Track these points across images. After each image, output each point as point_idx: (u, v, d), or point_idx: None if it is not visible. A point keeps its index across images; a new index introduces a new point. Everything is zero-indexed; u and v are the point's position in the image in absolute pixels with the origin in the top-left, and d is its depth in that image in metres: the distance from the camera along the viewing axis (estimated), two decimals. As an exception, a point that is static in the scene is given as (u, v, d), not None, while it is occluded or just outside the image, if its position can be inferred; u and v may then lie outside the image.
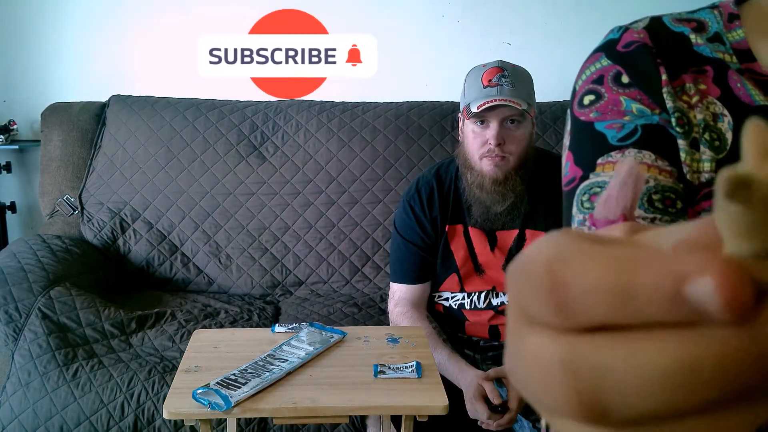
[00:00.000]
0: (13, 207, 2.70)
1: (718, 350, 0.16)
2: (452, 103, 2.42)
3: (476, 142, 1.51)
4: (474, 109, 1.46)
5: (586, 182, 0.54)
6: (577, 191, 0.54)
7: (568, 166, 0.57)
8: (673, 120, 0.54)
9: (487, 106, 1.45)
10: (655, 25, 0.57)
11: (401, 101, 2.48)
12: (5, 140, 2.58)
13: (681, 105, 0.54)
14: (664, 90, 0.54)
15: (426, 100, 2.48)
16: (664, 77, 0.54)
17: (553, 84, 2.23)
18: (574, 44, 2.61)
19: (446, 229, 1.60)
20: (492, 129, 1.48)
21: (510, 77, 1.48)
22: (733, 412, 0.16)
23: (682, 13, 0.59)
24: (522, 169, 1.52)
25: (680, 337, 0.16)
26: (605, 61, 0.57)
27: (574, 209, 0.54)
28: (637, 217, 0.49)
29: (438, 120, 2.40)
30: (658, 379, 0.16)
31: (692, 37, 0.56)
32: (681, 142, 0.53)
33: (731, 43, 0.56)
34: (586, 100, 0.57)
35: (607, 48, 0.58)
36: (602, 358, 0.16)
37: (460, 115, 1.58)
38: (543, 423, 0.48)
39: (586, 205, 0.53)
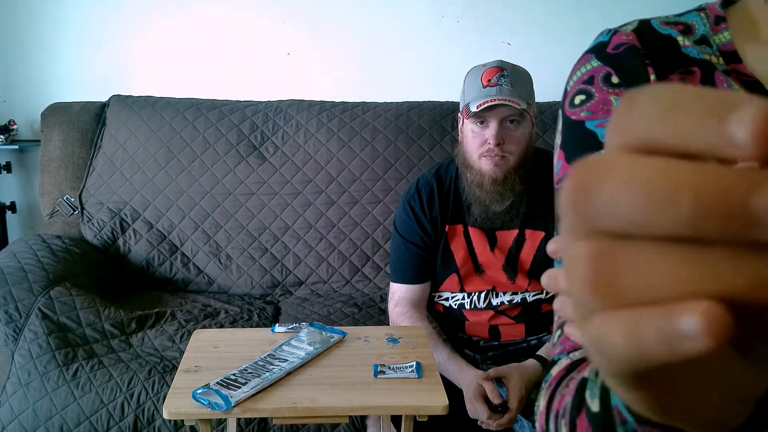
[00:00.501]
0: (13, 207, 2.70)
1: (706, 183, 0.17)
2: (452, 103, 2.42)
3: (475, 142, 1.51)
4: (473, 109, 1.46)
5: None
6: None
7: (559, 165, 0.58)
8: None
9: (486, 105, 1.45)
10: (644, 28, 0.59)
11: (401, 101, 2.48)
12: (5, 140, 2.58)
13: None
14: None
15: (426, 100, 2.49)
16: (652, 77, 0.56)
17: (553, 84, 2.23)
18: (574, 44, 2.60)
19: (446, 229, 1.60)
20: (491, 129, 1.48)
21: (509, 77, 1.48)
22: (697, 257, 0.17)
23: (670, 16, 0.60)
24: (521, 168, 1.52)
25: (689, 165, 0.17)
26: (595, 62, 0.58)
27: None
28: None
29: (438, 120, 2.40)
30: (643, 191, 0.17)
31: (680, 39, 0.57)
32: None
33: (718, 45, 0.57)
34: (577, 99, 0.58)
35: (597, 50, 0.59)
36: (612, 164, 0.18)
37: (459, 114, 1.58)
38: (540, 403, 0.49)
39: None
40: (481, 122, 1.49)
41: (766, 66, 0.54)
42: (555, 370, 0.50)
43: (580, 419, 0.39)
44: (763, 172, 0.17)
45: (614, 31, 0.59)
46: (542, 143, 2.31)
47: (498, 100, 1.45)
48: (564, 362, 0.50)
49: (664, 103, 0.18)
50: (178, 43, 2.66)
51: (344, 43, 2.68)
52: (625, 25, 0.59)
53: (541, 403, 0.49)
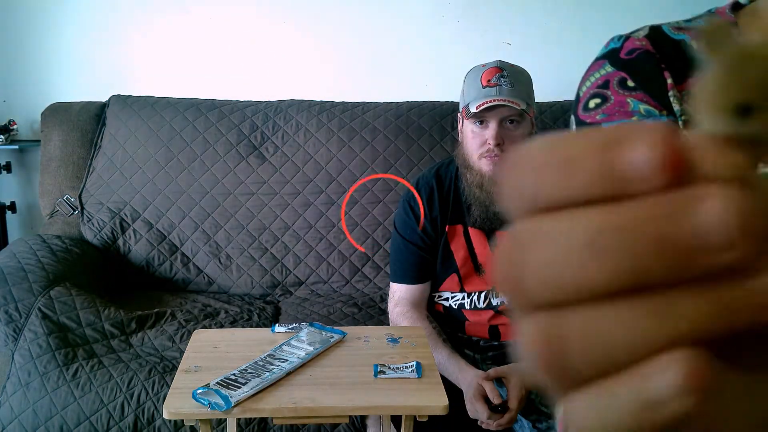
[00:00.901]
0: (13, 207, 2.70)
1: (625, 222, 0.15)
2: (452, 103, 2.42)
3: (475, 142, 1.51)
4: (473, 109, 1.46)
5: None
6: None
7: None
8: (680, 123, 0.54)
9: (486, 106, 1.45)
10: (655, 33, 0.58)
11: (401, 101, 2.48)
12: (5, 140, 2.58)
13: (689, 109, 0.54)
14: (670, 93, 0.55)
15: (426, 100, 2.48)
16: (669, 81, 0.55)
17: (553, 84, 2.23)
18: (574, 44, 2.61)
19: (446, 229, 1.60)
20: (491, 129, 1.48)
21: (509, 77, 1.48)
22: (648, 306, 0.15)
23: (680, 21, 0.60)
24: (522, 169, 1.52)
25: (595, 210, 0.15)
26: (609, 68, 0.58)
27: None
28: None
29: (438, 120, 2.40)
30: (564, 251, 0.15)
31: (694, 43, 0.57)
32: None
33: None
34: (592, 103, 0.57)
35: (610, 56, 0.58)
36: (527, 233, 0.16)
37: (459, 115, 1.58)
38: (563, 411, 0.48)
39: None
40: (481, 122, 1.49)
41: None
42: None
43: None
44: (690, 191, 0.15)
45: (626, 37, 0.58)
46: (542, 143, 2.31)
47: (498, 100, 1.45)
48: None
49: (554, 155, 0.16)
50: (178, 43, 2.66)
51: (344, 43, 2.68)
52: (636, 31, 0.58)
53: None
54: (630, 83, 0.56)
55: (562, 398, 0.16)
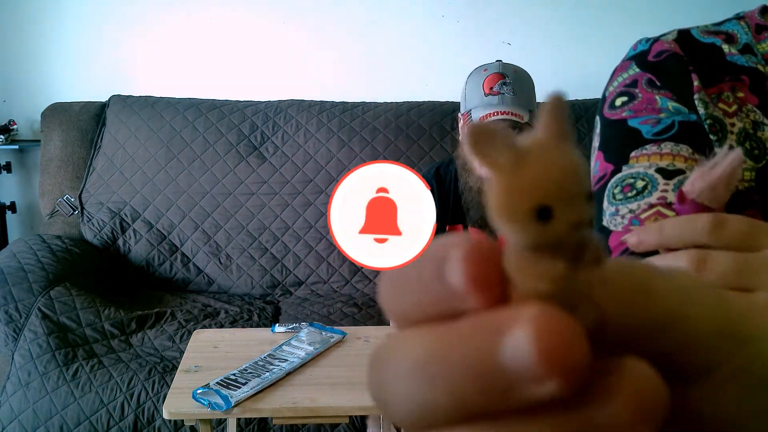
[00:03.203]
0: (13, 207, 2.70)
1: (445, 346, 0.14)
2: (452, 103, 2.42)
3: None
4: (475, 118, 1.46)
5: (619, 175, 0.54)
6: (609, 185, 0.54)
7: (597, 165, 0.57)
8: (705, 126, 0.54)
9: (488, 120, 1.45)
10: (685, 37, 0.58)
11: (401, 101, 2.48)
12: (5, 140, 2.58)
13: (715, 112, 0.54)
14: (696, 96, 0.54)
15: (426, 100, 2.49)
16: (696, 83, 0.55)
17: (553, 84, 2.22)
18: (574, 45, 2.61)
19: (446, 229, 1.60)
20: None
21: (511, 84, 1.48)
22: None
23: (708, 25, 0.59)
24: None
25: (429, 330, 0.14)
26: (636, 69, 0.58)
27: (605, 203, 0.54)
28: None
29: (438, 120, 2.40)
30: (409, 370, 0.14)
31: (724, 47, 0.57)
32: (717, 150, 0.53)
33: (762, 54, 0.56)
34: (618, 101, 0.57)
35: (638, 58, 0.58)
36: (386, 349, 0.15)
37: (460, 115, 1.58)
38: None
39: (618, 197, 0.53)
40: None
41: None
42: None
43: None
44: (503, 312, 0.14)
45: (654, 40, 0.58)
46: (542, 143, 2.31)
47: (500, 113, 1.44)
48: None
49: (399, 272, 0.16)
50: (178, 43, 2.66)
51: (344, 43, 2.68)
52: (664, 34, 0.58)
53: None
54: (657, 83, 0.56)
55: None
